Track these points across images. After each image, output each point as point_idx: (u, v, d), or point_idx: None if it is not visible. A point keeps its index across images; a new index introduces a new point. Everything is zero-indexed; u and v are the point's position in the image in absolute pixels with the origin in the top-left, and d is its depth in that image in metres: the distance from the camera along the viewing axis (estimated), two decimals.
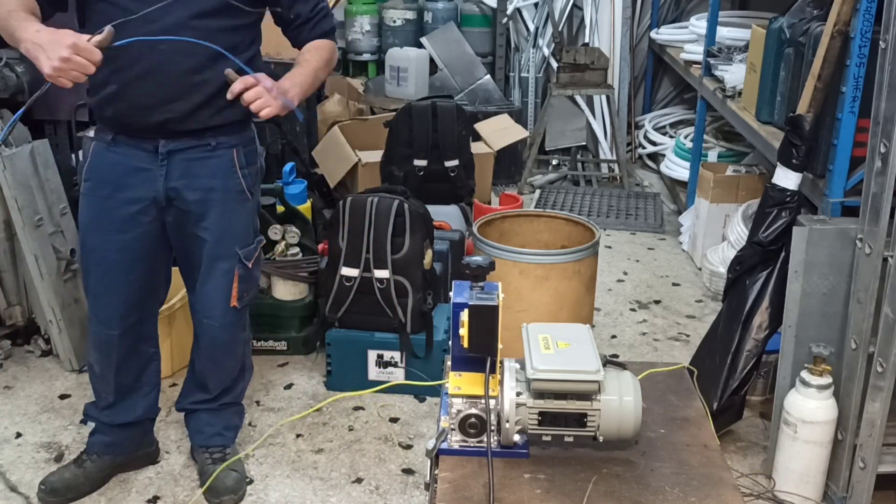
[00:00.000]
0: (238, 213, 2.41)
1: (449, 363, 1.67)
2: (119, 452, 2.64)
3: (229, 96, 2.15)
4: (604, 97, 5.77)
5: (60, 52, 1.95)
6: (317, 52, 2.37)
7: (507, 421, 1.60)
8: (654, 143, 6.04)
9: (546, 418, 1.60)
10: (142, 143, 2.28)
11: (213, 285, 2.44)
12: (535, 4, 5.95)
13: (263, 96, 2.15)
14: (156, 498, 2.62)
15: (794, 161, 2.71)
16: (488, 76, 5.85)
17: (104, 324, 2.46)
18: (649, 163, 6.12)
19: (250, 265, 2.46)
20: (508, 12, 5.94)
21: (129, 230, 2.35)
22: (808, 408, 2.48)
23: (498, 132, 5.01)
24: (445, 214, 4.03)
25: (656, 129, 6.11)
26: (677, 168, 5.24)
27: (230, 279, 2.43)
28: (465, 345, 1.59)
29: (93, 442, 2.64)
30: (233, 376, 2.63)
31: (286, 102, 2.20)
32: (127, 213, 2.33)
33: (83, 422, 2.71)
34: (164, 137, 2.27)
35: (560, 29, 5.83)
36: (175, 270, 2.57)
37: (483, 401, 1.61)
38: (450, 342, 1.68)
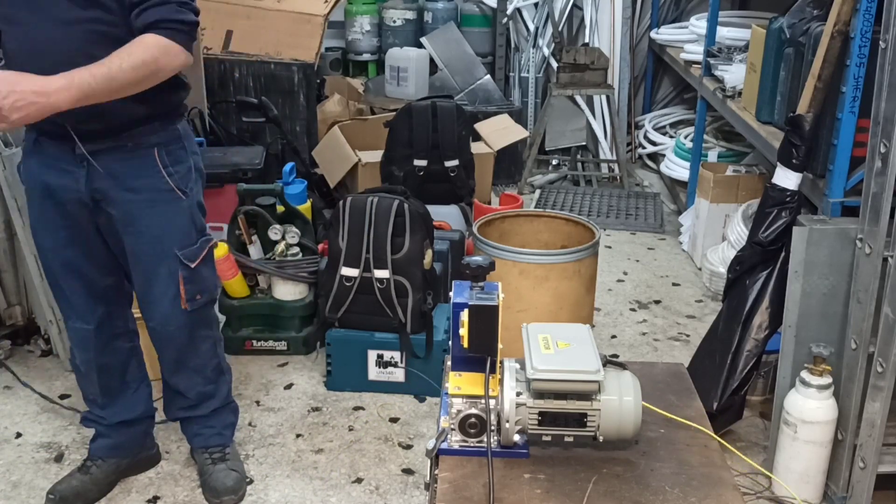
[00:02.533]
0: (171, 214, 2.32)
1: (449, 363, 1.67)
2: (123, 455, 2.64)
3: None
4: (604, 97, 5.77)
5: None
6: (126, 51, 2.05)
7: (507, 421, 1.60)
8: (654, 143, 6.03)
9: (546, 418, 1.60)
10: (60, 143, 2.20)
11: (158, 290, 2.37)
12: (535, 4, 5.95)
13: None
14: (156, 498, 2.62)
15: (794, 161, 2.71)
16: (488, 76, 5.85)
17: (81, 318, 2.44)
18: (649, 163, 6.12)
19: (194, 265, 2.37)
20: (508, 12, 5.94)
21: (69, 227, 2.31)
22: (808, 408, 2.48)
23: (498, 132, 5.01)
24: (445, 214, 4.03)
25: (656, 129, 6.11)
26: (677, 168, 5.24)
27: (175, 282, 2.36)
28: (465, 345, 1.59)
29: (96, 447, 2.63)
30: (206, 378, 2.56)
31: (37, 109, 1.96)
32: (63, 213, 2.29)
33: (83, 423, 2.70)
34: (79, 139, 2.16)
35: (560, 29, 5.83)
36: None
37: (483, 401, 1.61)
38: (450, 342, 1.68)
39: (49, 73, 2.00)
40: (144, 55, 2.06)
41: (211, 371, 2.58)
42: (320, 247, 3.44)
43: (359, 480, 2.70)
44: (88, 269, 2.38)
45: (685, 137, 5.34)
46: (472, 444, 1.64)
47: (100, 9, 2.09)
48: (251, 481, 2.69)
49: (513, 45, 6.08)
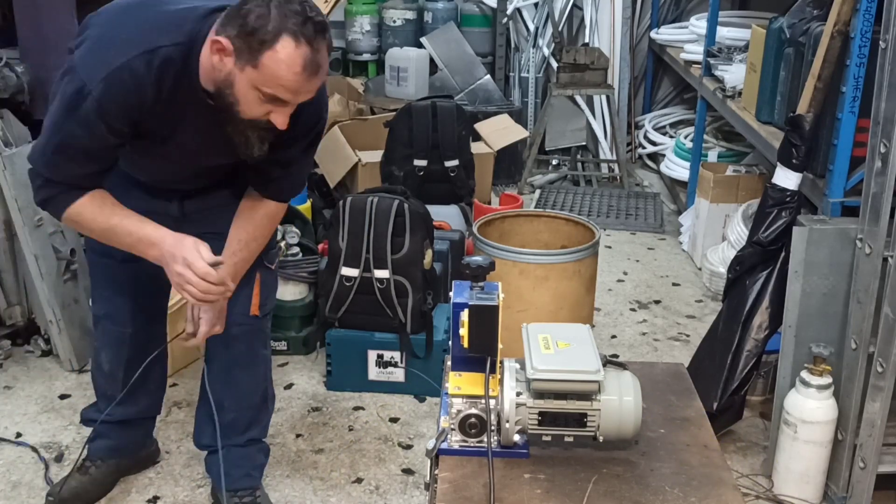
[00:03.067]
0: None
1: (449, 363, 1.67)
2: (123, 455, 2.61)
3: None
4: (604, 97, 5.77)
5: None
6: (262, 229, 2.23)
7: (507, 421, 1.60)
8: (654, 143, 6.03)
9: (546, 418, 1.60)
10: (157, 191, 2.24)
11: (236, 292, 2.21)
12: (535, 4, 5.95)
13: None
14: (156, 498, 2.62)
15: (794, 161, 2.71)
16: (488, 76, 5.85)
17: (119, 323, 2.39)
18: (649, 163, 6.12)
19: (272, 267, 2.35)
20: (508, 12, 5.94)
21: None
22: (808, 408, 2.48)
23: (498, 132, 5.01)
24: (445, 214, 4.03)
25: (656, 129, 6.11)
26: (677, 168, 5.24)
27: (251, 285, 2.28)
28: (465, 345, 1.59)
29: (95, 447, 2.57)
30: (253, 403, 2.43)
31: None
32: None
33: (84, 422, 2.68)
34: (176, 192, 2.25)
35: (560, 29, 5.83)
36: None
37: (483, 401, 1.61)
38: (450, 342, 1.68)
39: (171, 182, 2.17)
40: (274, 224, 2.29)
41: (258, 397, 2.45)
42: (320, 247, 3.44)
43: (359, 480, 2.70)
44: (143, 278, 2.30)
45: (685, 137, 5.34)
46: (472, 444, 1.64)
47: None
48: None
49: (513, 45, 6.08)
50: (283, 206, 2.26)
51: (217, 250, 2.13)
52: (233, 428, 2.41)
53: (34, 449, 2.80)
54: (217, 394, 2.33)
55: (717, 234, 4.20)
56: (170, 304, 2.62)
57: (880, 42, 2.29)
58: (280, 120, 1.89)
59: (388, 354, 3.14)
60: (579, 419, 1.60)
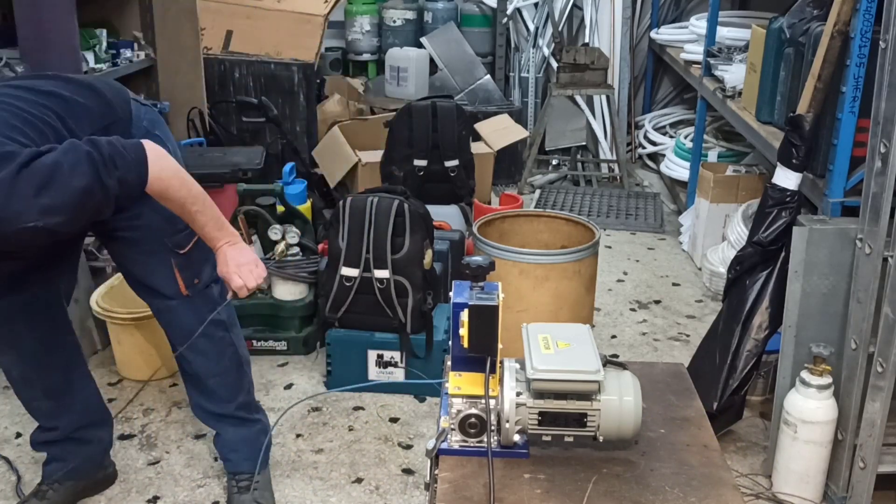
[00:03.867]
0: (155, 205, 2.14)
1: (449, 363, 1.67)
2: (79, 477, 2.54)
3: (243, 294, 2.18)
4: (604, 97, 5.77)
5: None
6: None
7: (507, 421, 1.60)
8: (654, 143, 6.03)
9: (546, 418, 1.60)
10: None
11: (162, 280, 2.31)
12: (535, 4, 5.95)
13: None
14: (156, 498, 2.61)
15: (794, 161, 2.71)
16: (488, 76, 5.86)
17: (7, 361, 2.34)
18: (649, 163, 6.12)
19: (184, 251, 2.29)
20: (508, 12, 5.94)
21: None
22: (808, 408, 2.48)
23: (498, 132, 5.01)
24: (445, 214, 4.03)
25: (656, 129, 6.11)
26: (677, 168, 5.24)
27: (171, 270, 2.30)
28: (465, 345, 1.58)
29: (51, 470, 2.51)
30: (224, 366, 2.45)
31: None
32: None
33: (35, 448, 2.57)
34: None
35: (560, 29, 5.83)
36: None
37: (483, 401, 1.61)
38: (450, 342, 1.68)
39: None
40: (175, 181, 2.14)
41: (228, 358, 2.45)
42: (320, 247, 3.44)
43: (359, 480, 2.70)
44: (19, 313, 2.27)
45: (685, 137, 5.34)
46: (472, 444, 1.64)
47: None
48: None
49: (513, 45, 6.08)
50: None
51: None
52: (219, 396, 2.48)
53: (6, 460, 2.76)
54: (191, 368, 2.45)
55: (717, 234, 4.20)
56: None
57: (880, 42, 2.29)
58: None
59: (388, 354, 3.14)
60: (579, 419, 1.60)
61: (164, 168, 1.96)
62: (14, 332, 2.32)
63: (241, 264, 2.15)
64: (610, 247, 4.61)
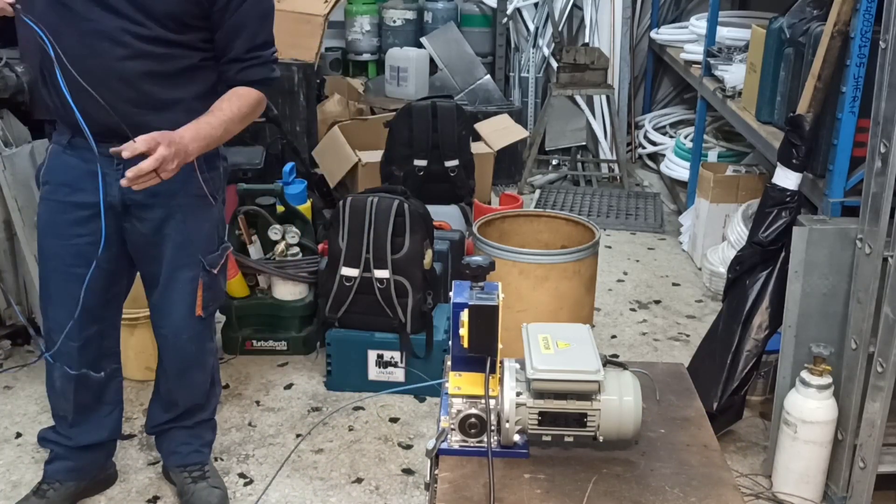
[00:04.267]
0: (200, 219, 2.29)
1: (449, 363, 1.67)
2: (81, 478, 2.54)
3: (125, 182, 1.96)
4: (604, 97, 5.77)
5: None
6: (235, 102, 2.18)
7: (507, 421, 1.60)
8: (654, 143, 6.04)
9: (546, 418, 1.60)
10: (98, 146, 2.05)
11: (176, 295, 2.32)
12: (535, 4, 5.95)
13: (161, 173, 1.97)
14: (156, 498, 2.62)
15: (794, 161, 2.71)
16: (488, 76, 5.85)
17: (67, 335, 2.28)
18: (649, 163, 6.12)
19: (215, 272, 2.35)
20: (508, 12, 5.94)
21: (85, 235, 2.20)
22: (808, 408, 2.48)
23: (498, 132, 5.01)
24: (445, 214, 4.03)
25: (656, 129, 6.11)
26: (677, 168, 5.24)
27: (194, 288, 2.31)
28: (465, 345, 1.58)
29: (53, 470, 2.51)
30: (203, 391, 2.52)
31: (172, 172, 2.00)
32: (83, 217, 2.20)
33: (42, 444, 2.58)
34: (118, 141, 2.02)
35: (560, 29, 5.83)
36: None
37: (483, 401, 1.61)
38: (450, 342, 1.68)
39: (97, 88, 2.00)
40: (251, 111, 2.21)
41: (208, 384, 2.53)
42: (320, 247, 3.44)
43: (359, 480, 2.70)
44: (90, 282, 2.21)
45: (685, 137, 5.34)
46: (472, 444, 1.64)
47: (180, 47, 2.12)
48: (251, 481, 2.69)
49: (513, 45, 6.08)
50: (258, 95, 2.23)
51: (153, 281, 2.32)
52: (186, 416, 2.54)
53: None
54: (172, 393, 2.50)
55: (717, 234, 4.21)
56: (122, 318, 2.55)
57: (880, 42, 2.29)
58: None
59: (388, 354, 3.14)
60: (579, 419, 1.60)
61: None
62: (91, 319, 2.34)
63: (178, 150, 2.00)
64: (610, 247, 4.61)
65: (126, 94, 2.10)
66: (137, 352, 3.16)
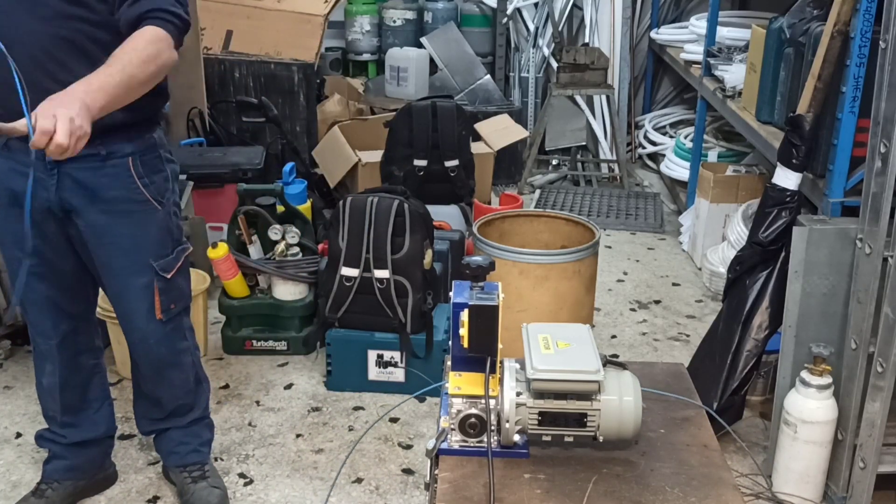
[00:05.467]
0: (146, 225, 2.22)
1: (449, 363, 1.67)
2: (80, 477, 2.55)
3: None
4: (604, 97, 5.77)
5: None
6: (128, 45, 1.95)
7: (507, 421, 1.60)
8: (654, 143, 6.04)
9: (546, 418, 1.60)
10: (29, 149, 1.91)
11: (135, 303, 2.29)
12: (535, 4, 5.95)
13: (68, 145, 1.78)
14: (156, 498, 2.62)
15: (794, 161, 2.71)
16: (488, 76, 5.85)
17: (42, 334, 2.35)
18: (649, 163, 6.12)
19: (169, 276, 2.29)
20: (508, 12, 5.94)
21: (35, 238, 2.10)
22: (808, 408, 2.48)
23: (498, 132, 5.01)
24: (445, 214, 4.03)
25: (656, 129, 6.11)
26: (677, 168, 5.24)
27: (150, 293, 2.27)
28: (465, 345, 1.58)
29: (51, 469, 2.53)
30: (187, 389, 2.49)
31: (83, 127, 1.80)
32: (33, 222, 2.05)
33: (39, 443, 2.59)
34: None
35: (560, 29, 5.83)
36: None
37: (483, 401, 1.61)
38: (450, 342, 1.68)
39: (19, 65, 1.86)
40: (150, 47, 1.96)
41: (192, 382, 2.50)
42: (320, 247, 3.44)
43: (359, 480, 2.70)
44: (54, 283, 2.28)
45: (685, 137, 5.34)
46: (472, 444, 1.64)
47: (83, 7, 2.00)
48: (251, 481, 2.69)
49: (513, 45, 6.08)
50: (155, 30, 1.98)
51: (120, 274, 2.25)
52: (175, 414, 2.52)
53: None
54: (152, 392, 2.48)
55: (717, 234, 4.20)
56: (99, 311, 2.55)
57: (880, 42, 2.29)
58: None
59: (388, 354, 3.14)
60: (579, 419, 1.60)
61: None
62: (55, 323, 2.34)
63: (70, 109, 1.78)
64: (610, 247, 4.61)
65: (40, 58, 2.00)
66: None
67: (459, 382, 1.63)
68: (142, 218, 2.23)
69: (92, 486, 2.60)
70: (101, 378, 2.53)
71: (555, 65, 5.73)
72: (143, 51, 1.95)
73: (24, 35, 1.99)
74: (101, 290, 2.41)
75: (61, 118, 1.76)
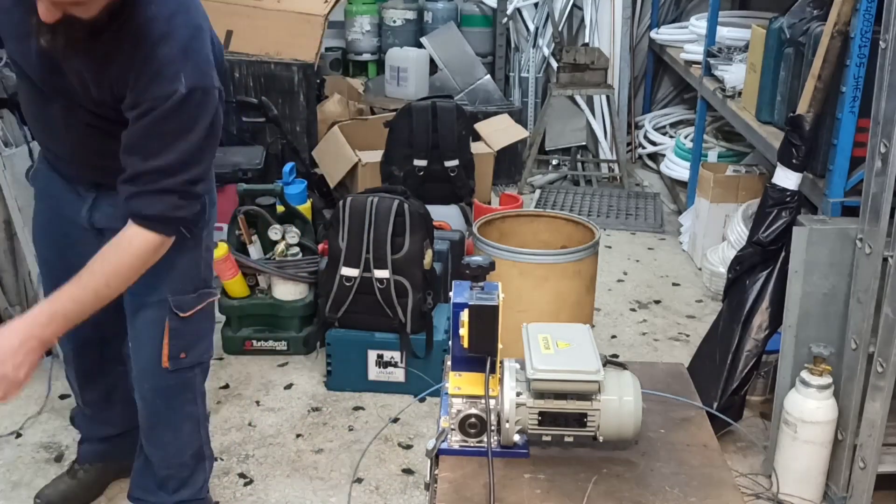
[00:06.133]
0: (171, 255, 1.94)
1: (449, 363, 1.67)
2: (111, 459, 2.56)
3: None
4: (604, 97, 5.77)
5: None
6: (111, 261, 1.84)
7: (507, 421, 1.60)
8: (654, 143, 6.03)
9: (546, 418, 1.60)
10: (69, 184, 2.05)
11: (141, 336, 2.09)
12: (535, 4, 5.95)
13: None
14: None
15: (794, 161, 2.71)
16: (488, 76, 5.85)
17: (63, 336, 2.10)
18: (649, 163, 6.12)
19: (184, 316, 2.05)
20: (508, 12, 5.94)
21: (70, 247, 2.09)
22: (808, 408, 2.48)
23: (498, 132, 5.01)
24: (445, 214, 4.03)
25: (656, 129, 6.11)
26: (677, 168, 5.24)
27: (159, 332, 2.05)
28: (465, 345, 1.58)
29: (83, 451, 2.56)
30: (181, 462, 2.23)
31: (37, 357, 1.77)
32: (66, 231, 2.11)
33: (72, 423, 2.64)
34: (84, 186, 2.02)
35: (560, 29, 5.82)
36: None
37: (483, 401, 1.61)
38: (450, 342, 1.68)
39: (61, 151, 1.99)
40: (133, 263, 1.85)
41: (189, 455, 2.24)
42: (320, 247, 3.44)
43: (359, 480, 2.70)
44: None
45: (685, 137, 5.34)
46: (472, 444, 1.64)
47: (109, 119, 1.88)
48: (251, 481, 2.69)
49: (513, 45, 6.08)
50: (154, 240, 1.84)
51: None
52: (163, 486, 2.27)
53: None
54: (146, 447, 2.25)
55: (717, 234, 4.20)
56: None
57: (880, 42, 2.29)
58: (41, 8, 1.63)
59: (388, 354, 3.14)
60: (579, 419, 1.59)
61: None
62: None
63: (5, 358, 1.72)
64: (610, 247, 4.61)
65: (80, 147, 1.98)
66: None
67: (459, 382, 1.63)
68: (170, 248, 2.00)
69: (125, 469, 2.47)
70: (126, 384, 2.30)
71: (555, 65, 5.73)
72: (123, 269, 1.85)
73: (64, 129, 1.97)
74: None
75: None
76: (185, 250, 2.03)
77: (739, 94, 3.91)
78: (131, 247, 1.84)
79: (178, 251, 1.98)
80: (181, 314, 2.06)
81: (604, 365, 1.60)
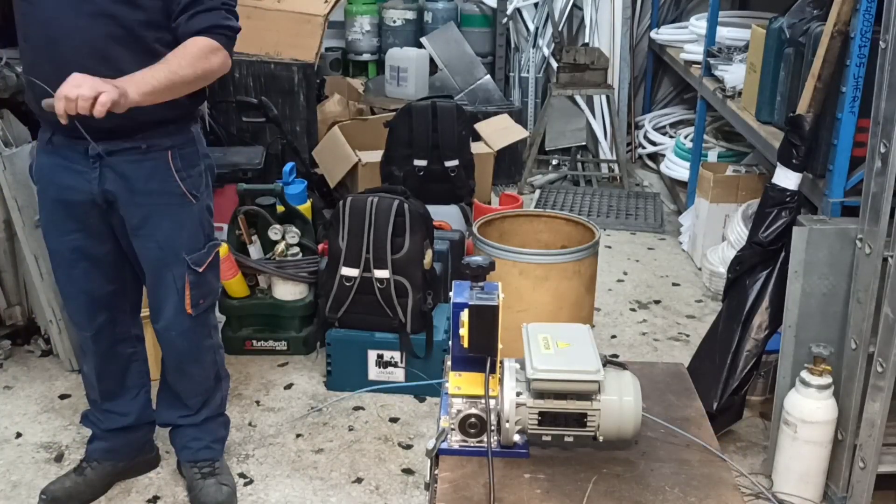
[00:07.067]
0: (181, 218, 2.32)
1: (449, 363, 1.67)
2: (119, 458, 2.62)
3: (64, 121, 1.94)
4: (604, 97, 5.77)
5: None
6: (180, 51, 2.11)
7: (507, 421, 1.60)
8: (654, 143, 6.03)
9: (546, 418, 1.60)
10: (73, 142, 2.17)
11: (164, 293, 2.37)
12: (535, 4, 5.95)
13: (81, 102, 1.89)
14: (156, 498, 2.62)
15: (794, 161, 2.71)
16: (488, 76, 5.85)
17: (77, 325, 2.47)
18: (649, 163, 6.12)
19: (201, 270, 2.37)
20: (508, 12, 5.94)
21: (78, 230, 2.30)
22: (808, 408, 2.48)
23: (498, 132, 5.01)
24: (445, 214, 4.03)
25: (656, 129, 6.11)
26: (677, 168, 5.24)
27: (181, 286, 2.35)
28: (465, 345, 1.59)
29: (92, 449, 2.61)
30: (206, 386, 2.55)
31: (120, 101, 1.94)
32: (73, 215, 2.28)
33: (83, 422, 2.69)
34: (92, 137, 2.10)
35: (560, 29, 5.83)
36: None
37: (483, 401, 1.61)
38: (450, 342, 1.68)
39: (62, 64, 2.02)
40: (201, 57, 2.13)
41: (211, 379, 2.56)
42: (320, 247, 3.44)
43: (359, 480, 2.70)
44: (92, 275, 2.37)
45: (685, 137, 5.34)
46: (472, 444, 1.64)
47: (128, 6, 2.09)
48: (251, 481, 2.69)
49: (513, 45, 6.08)
50: (207, 42, 2.14)
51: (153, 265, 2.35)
52: (190, 408, 2.56)
53: None
54: (174, 385, 2.55)
55: (717, 234, 4.20)
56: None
57: (880, 42, 2.29)
58: None
59: (388, 354, 3.14)
60: (579, 419, 1.60)
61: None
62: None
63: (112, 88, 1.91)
64: (610, 247, 4.61)
65: (88, 54, 2.08)
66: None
67: (459, 382, 1.64)
68: (178, 211, 2.31)
69: (132, 468, 2.67)
70: (139, 366, 2.59)
71: (555, 65, 5.73)
72: (193, 58, 2.11)
73: (72, 31, 2.09)
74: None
75: (89, 81, 1.91)
76: (192, 214, 2.33)
77: (739, 94, 3.91)
78: (197, 44, 2.12)
79: (187, 216, 2.31)
80: (198, 269, 2.37)
81: (604, 365, 1.60)
